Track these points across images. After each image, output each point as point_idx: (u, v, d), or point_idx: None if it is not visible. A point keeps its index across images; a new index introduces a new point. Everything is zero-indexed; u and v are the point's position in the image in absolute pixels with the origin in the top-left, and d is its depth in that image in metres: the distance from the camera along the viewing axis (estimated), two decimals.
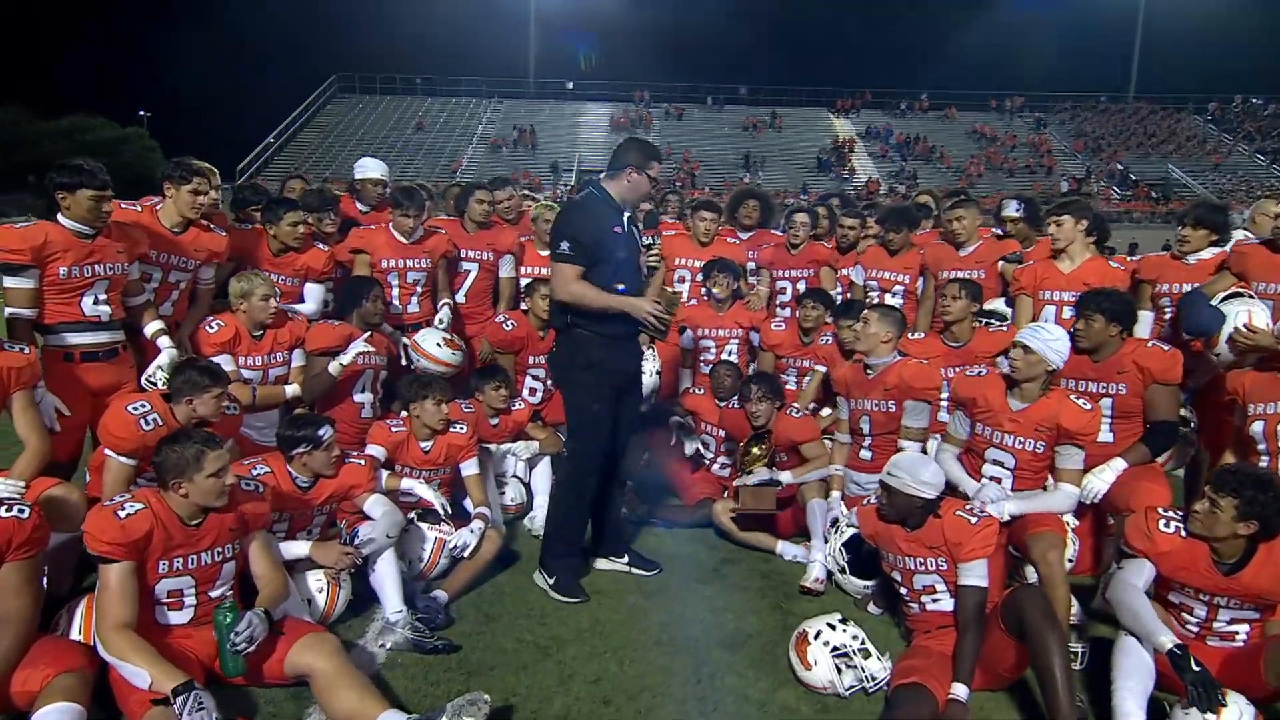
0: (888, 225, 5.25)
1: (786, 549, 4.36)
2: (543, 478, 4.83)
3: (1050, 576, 3.28)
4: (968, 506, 3.26)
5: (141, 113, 45.00)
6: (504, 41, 55.05)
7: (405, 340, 4.71)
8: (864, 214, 5.84)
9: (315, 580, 3.39)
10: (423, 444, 4.13)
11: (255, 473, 3.40)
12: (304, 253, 4.69)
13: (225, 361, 4.02)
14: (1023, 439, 3.59)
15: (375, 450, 4.03)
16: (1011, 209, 5.12)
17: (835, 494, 4.31)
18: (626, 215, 3.69)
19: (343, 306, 4.60)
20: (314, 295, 4.74)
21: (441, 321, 4.90)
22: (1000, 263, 4.93)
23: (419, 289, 5.01)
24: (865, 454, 4.26)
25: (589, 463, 3.79)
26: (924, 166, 39.22)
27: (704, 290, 5.33)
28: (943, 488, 3.27)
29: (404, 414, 4.19)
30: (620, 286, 3.62)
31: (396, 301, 4.96)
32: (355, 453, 3.85)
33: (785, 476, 4.24)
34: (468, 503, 4.16)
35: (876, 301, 5.16)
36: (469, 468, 4.19)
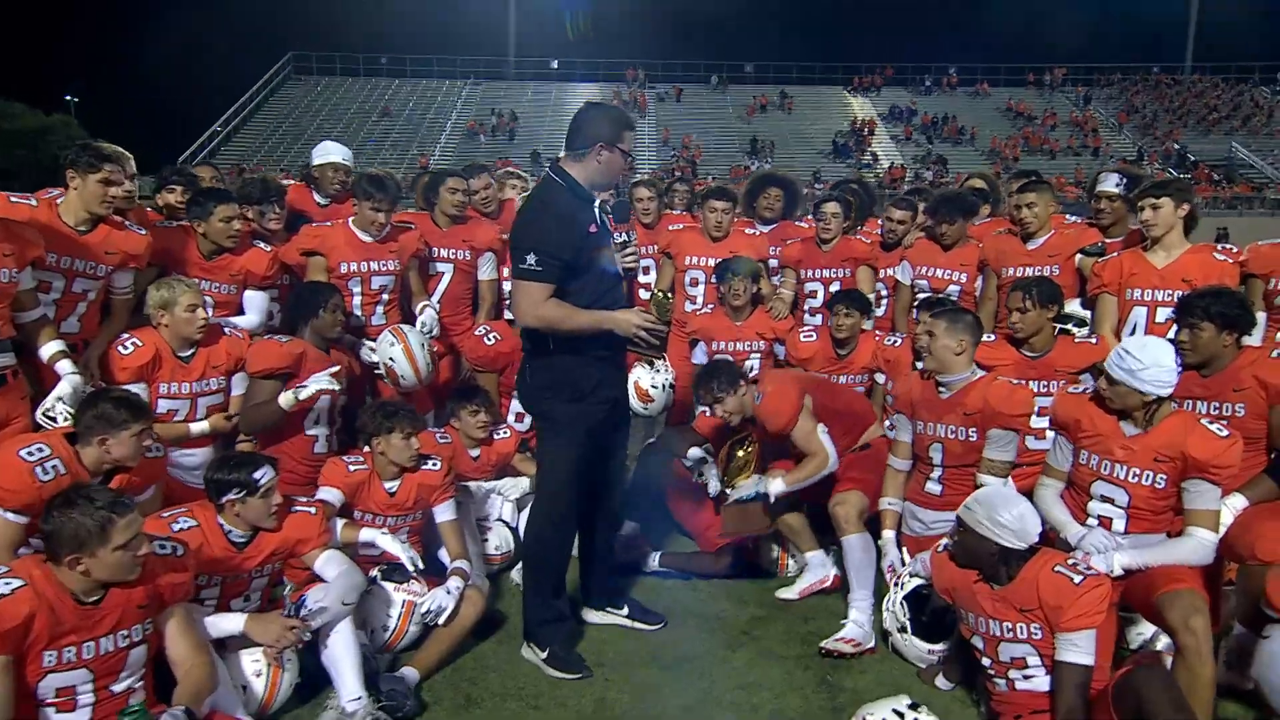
0: (940, 215, 5.08)
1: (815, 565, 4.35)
2: None
3: (1194, 650, 2.91)
4: (1070, 561, 2.98)
5: (68, 98, 45.09)
6: (480, 16, 54.93)
7: (367, 343, 4.52)
8: (914, 202, 5.66)
9: (252, 662, 3.13)
10: (388, 484, 3.89)
11: (177, 528, 3.13)
12: (241, 254, 4.46)
13: (140, 390, 3.77)
14: (1138, 470, 3.27)
15: (329, 494, 3.78)
16: (1111, 183, 4.85)
17: (889, 534, 4.02)
18: (597, 204, 3.47)
19: (292, 318, 4.34)
20: (255, 305, 4.52)
21: (425, 325, 4.69)
22: (1078, 256, 4.72)
23: (385, 296, 4.78)
24: (933, 486, 3.96)
25: (566, 506, 3.63)
26: (953, 149, 39.40)
27: (719, 295, 5.15)
28: (1033, 537, 3.00)
29: (366, 448, 3.96)
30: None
31: (358, 312, 4.72)
32: (305, 499, 3.59)
33: (775, 485, 4.00)
34: (443, 554, 3.95)
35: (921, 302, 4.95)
36: (444, 512, 3.96)
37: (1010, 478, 3.80)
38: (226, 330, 4.22)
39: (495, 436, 4.65)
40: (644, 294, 5.52)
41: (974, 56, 50.34)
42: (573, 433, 3.51)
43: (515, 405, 4.92)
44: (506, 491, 4.64)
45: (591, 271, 3.37)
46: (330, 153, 5.40)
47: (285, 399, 3.99)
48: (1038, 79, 45.96)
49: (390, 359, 4.42)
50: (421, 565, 3.69)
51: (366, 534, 3.68)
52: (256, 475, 3.20)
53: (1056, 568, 2.91)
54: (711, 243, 5.41)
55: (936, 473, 3.94)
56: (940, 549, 3.33)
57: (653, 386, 4.82)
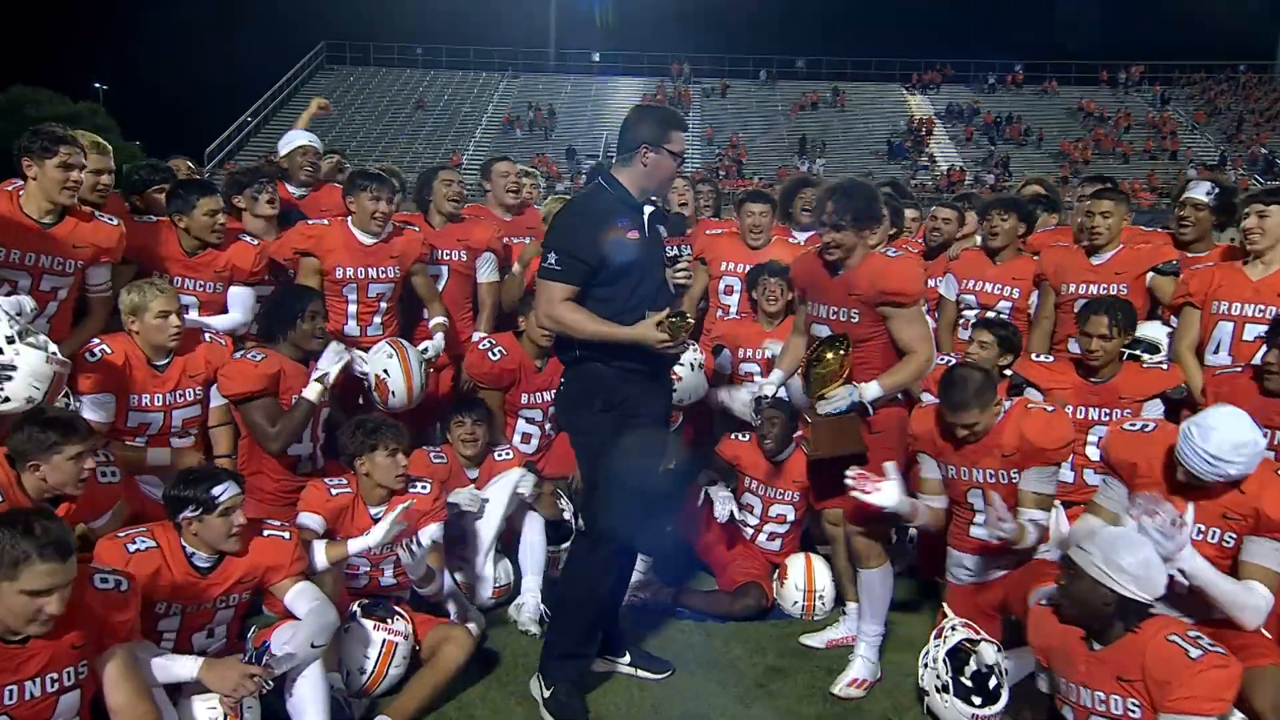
0: (990, 211, 4.95)
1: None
2: (533, 551, 4.43)
3: None
4: (1192, 633, 2.67)
5: (96, 85, 45.87)
6: (519, 6, 55.01)
7: (359, 353, 4.40)
8: (959, 205, 5.54)
9: (207, 709, 2.94)
10: (373, 509, 3.76)
11: (134, 548, 2.98)
12: (226, 249, 4.35)
13: (104, 403, 3.66)
14: (1203, 527, 3.03)
15: (308, 520, 3.64)
16: (1201, 191, 4.61)
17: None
18: (648, 213, 3.42)
19: (267, 327, 4.19)
20: (240, 302, 4.43)
21: (429, 352, 4.61)
22: (1149, 274, 4.52)
23: (383, 305, 4.64)
24: (978, 531, 3.68)
25: (620, 536, 3.48)
26: (1018, 152, 38.94)
27: (750, 300, 5.04)
28: (1159, 589, 2.73)
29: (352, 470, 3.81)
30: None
31: (353, 322, 4.59)
32: (279, 522, 3.44)
33: (871, 389, 3.51)
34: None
35: (976, 319, 4.80)
36: (429, 534, 3.80)
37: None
38: (207, 336, 4.10)
39: (497, 457, 4.49)
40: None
41: (1042, 52, 49.38)
42: (611, 448, 3.38)
43: (521, 425, 4.79)
44: (523, 486, 4.38)
45: (624, 281, 3.32)
46: (294, 138, 5.34)
47: (313, 391, 3.93)
48: (1111, 77, 45.20)
49: (385, 371, 4.28)
50: (424, 544, 3.60)
51: (356, 545, 3.56)
52: (215, 492, 3.04)
53: (1171, 636, 2.62)
54: (749, 250, 5.26)
55: (981, 517, 3.66)
56: (1042, 601, 3.06)
57: (679, 364, 4.59)
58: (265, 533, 3.28)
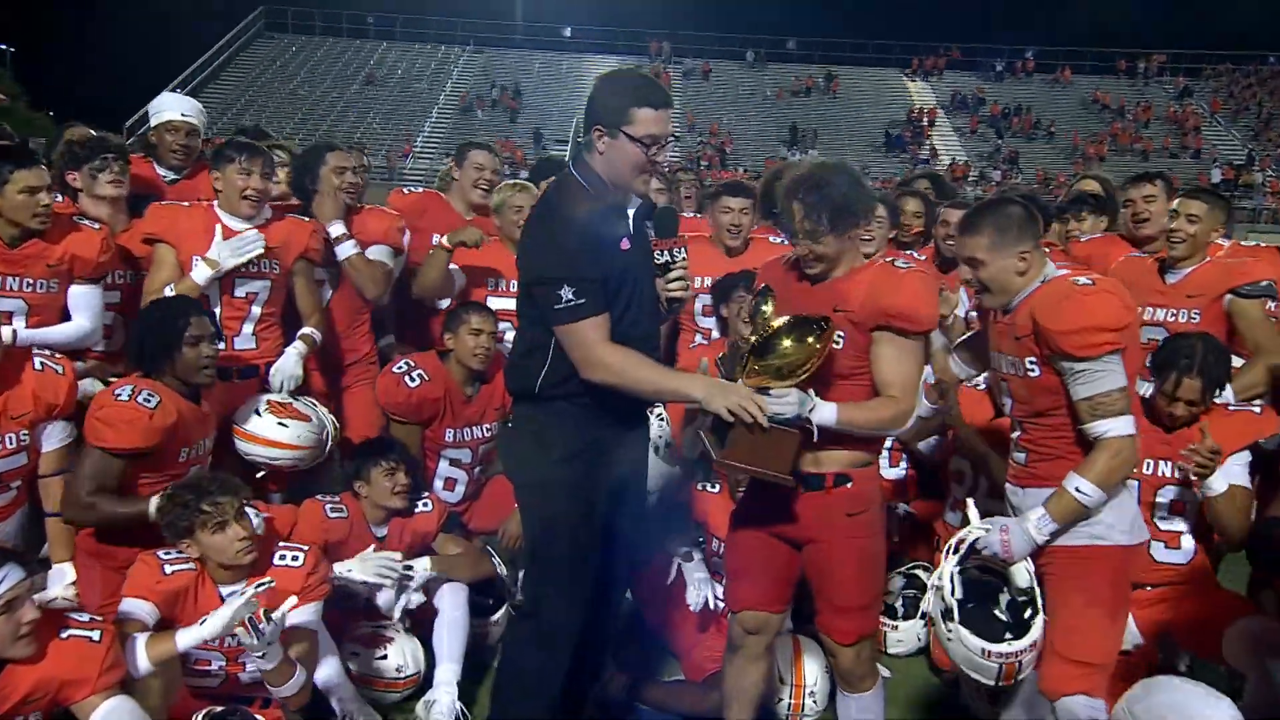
0: None
1: None
2: (452, 632, 3.99)
3: None
4: None
5: (1, 46, 44.70)
6: None
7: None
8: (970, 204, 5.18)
9: None
10: (224, 589, 3.25)
11: None
12: (60, 238, 3.87)
13: None
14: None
15: (134, 608, 3.11)
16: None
17: None
18: (632, 213, 3.15)
19: (140, 356, 3.65)
20: (85, 304, 3.97)
21: (280, 377, 4.13)
22: (1228, 297, 4.16)
23: (255, 310, 4.16)
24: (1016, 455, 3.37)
25: (568, 619, 3.23)
26: (1027, 146, 39.60)
27: (721, 321, 4.73)
28: None
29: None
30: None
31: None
32: (89, 616, 2.96)
33: (826, 412, 2.92)
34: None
35: None
36: (299, 615, 3.30)
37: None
38: (38, 364, 3.60)
39: (415, 509, 4.10)
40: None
41: (1054, 38, 49.78)
42: (570, 508, 3.14)
43: (444, 468, 4.47)
44: (417, 572, 3.99)
45: (619, 301, 3.07)
46: (165, 107, 4.78)
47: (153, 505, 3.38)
48: (1130, 66, 45.99)
49: (254, 456, 4.02)
50: (277, 621, 3.09)
51: (187, 639, 3.03)
52: None
53: None
54: (726, 256, 4.93)
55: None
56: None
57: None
58: (66, 633, 2.77)
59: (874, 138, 40.08)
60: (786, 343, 2.85)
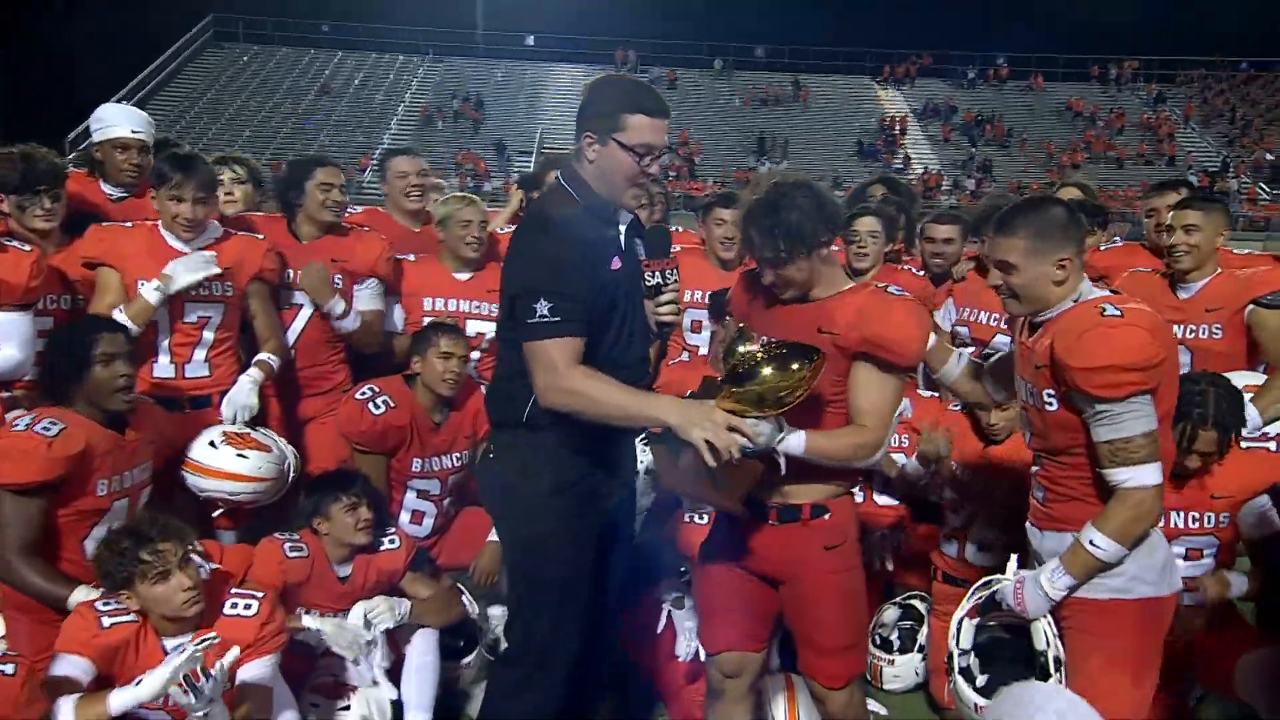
0: (987, 234, 4.61)
1: None
2: (421, 676, 3.92)
3: None
4: None
5: None
6: None
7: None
8: (961, 215, 5.34)
9: None
10: (168, 641, 3.12)
11: None
12: None
13: None
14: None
15: (68, 666, 2.97)
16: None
17: None
18: (623, 228, 3.08)
19: (49, 382, 3.53)
20: (14, 332, 3.82)
21: (231, 408, 4.02)
22: (1249, 308, 4.13)
23: (207, 335, 4.11)
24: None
25: (561, 665, 3.13)
26: (1000, 154, 39.83)
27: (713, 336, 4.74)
28: None
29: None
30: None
31: (164, 358, 4.10)
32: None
33: (794, 441, 2.86)
34: None
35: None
36: (255, 669, 3.20)
37: None
38: None
39: (379, 546, 4.01)
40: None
41: (1027, 45, 50.12)
42: (562, 544, 3.06)
43: (411, 500, 4.38)
44: (376, 618, 3.88)
45: (610, 324, 3.01)
46: (112, 122, 4.59)
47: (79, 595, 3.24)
48: (1103, 72, 46.51)
49: (205, 490, 3.88)
50: (217, 677, 2.92)
51: (120, 701, 2.85)
52: None
53: None
54: (720, 269, 4.91)
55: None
56: None
57: None
58: None
59: (846, 146, 40.16)
60: (767, 370, 2.75)
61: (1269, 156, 38.49)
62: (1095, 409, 2.65)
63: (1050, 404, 2.76)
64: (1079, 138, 40.95)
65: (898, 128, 41.60)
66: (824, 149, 40.07)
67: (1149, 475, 2.65)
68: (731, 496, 2.91)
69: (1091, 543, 2.68)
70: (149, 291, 3.80)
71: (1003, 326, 4.59)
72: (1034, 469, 3.00)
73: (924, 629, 4.26)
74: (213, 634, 3.01)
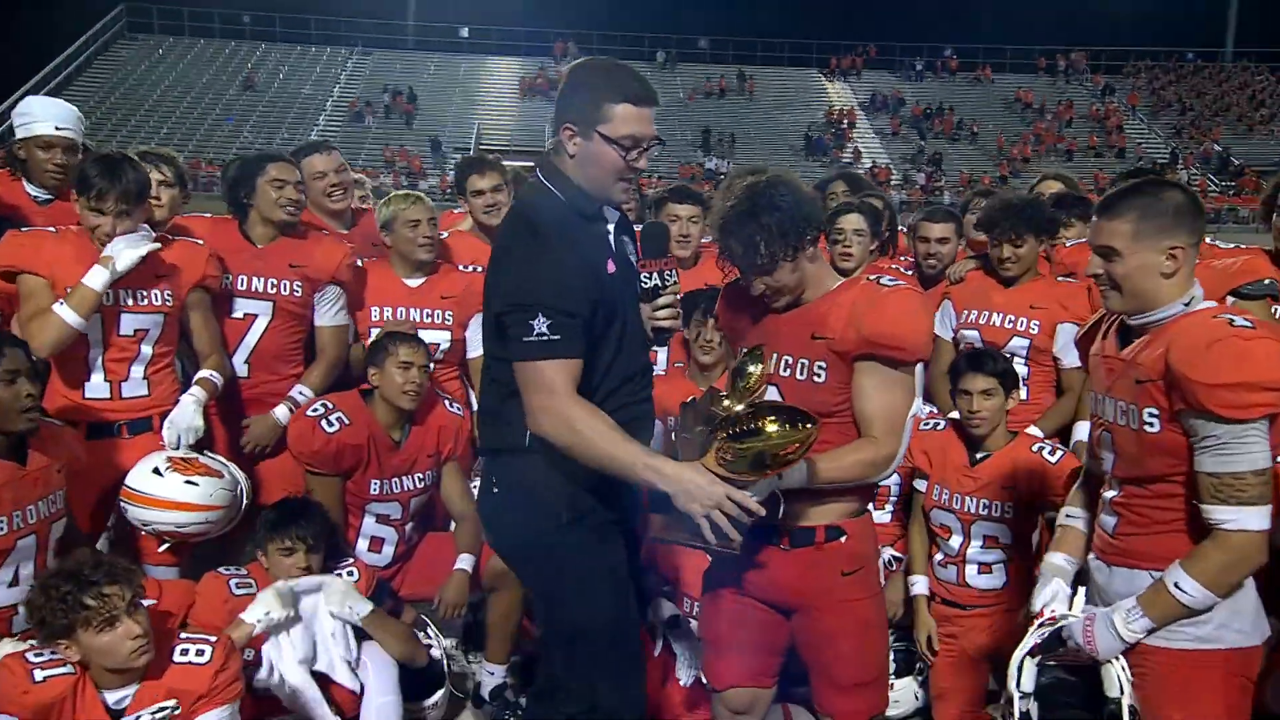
0: (1000, 231, 4.55)
1: None
2: (384, 715, 3.80)
3: None
4: None
5: None
6: None
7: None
8: (955, 213, 5.26)
9: None
10: (110, 695, 2.93)
11: None
12: None
13: None
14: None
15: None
16: None
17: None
18: (611, 226, 2.93)
19: None
20: None
21: (175, 430, 3.87)
22: (1229, 300, 4.02)
23: (144, 350, 3.94)
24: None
25: (632, 709, 2.95)
26: (950, 147, 40.56)
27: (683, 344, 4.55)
28: None
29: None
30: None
31: (98, 376, 3.92)
32: None
33: (795, 474, 2.74)
34: None
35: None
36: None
37: None
38: None
39: (336, 574, 3.84)
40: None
41: (975, 36, 50.91)
42: (593, 576, 2.91)
43: (370, 526, 4.20)
44: (338, 609, 3.76)
45: (610, 337, 2.85)
46: (36, 117, 4.43)
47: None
48: (1050, 65, 47.49)
49: (146, 523, 3.71)
50: None
51: None
52: None
53: None
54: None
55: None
56: None
57: None
58: None
59: (793, 140, 40.64)
60: (772, 426, 2.58)
61: (1216, 148, 39.63)
62: (1211, 433, 2.41)
63: (1151, 424, 2.51)
64: (1029, 130, 41.75)
65: (845, 121, 42.06)
66: (772, 143, 40.52)
67: (1256, 520, 2.40)
68: (729, 548, 2.73)
69: (1177, 585, 2.44)
70: (93, 278, 3.60)
71: (1019, 329, 4.54)
72: (1109, 494, 2.77)
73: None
74: (172, 702, 2.86)
